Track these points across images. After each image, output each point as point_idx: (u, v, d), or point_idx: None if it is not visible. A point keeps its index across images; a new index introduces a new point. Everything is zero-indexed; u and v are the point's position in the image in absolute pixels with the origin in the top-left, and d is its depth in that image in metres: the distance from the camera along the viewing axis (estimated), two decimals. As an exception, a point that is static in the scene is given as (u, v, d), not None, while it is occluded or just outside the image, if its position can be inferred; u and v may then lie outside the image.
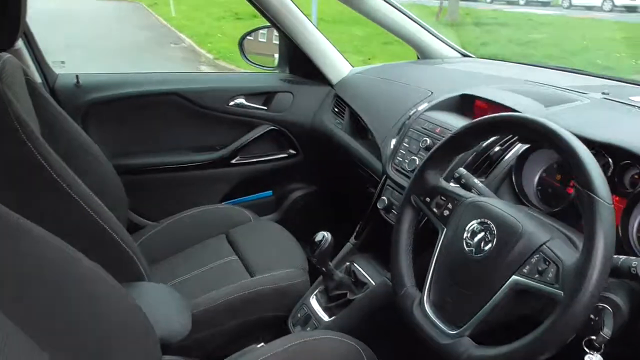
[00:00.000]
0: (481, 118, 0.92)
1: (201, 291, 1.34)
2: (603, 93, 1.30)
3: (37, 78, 1.66)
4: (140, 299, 1.02)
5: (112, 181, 1.48)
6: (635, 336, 0.82)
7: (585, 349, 0.77)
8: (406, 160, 1.30)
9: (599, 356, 0.77)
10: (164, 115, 1.86)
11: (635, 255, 0.87)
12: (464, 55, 2.00)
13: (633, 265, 0.73)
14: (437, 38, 1.95)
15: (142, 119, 1.84)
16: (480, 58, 2.01)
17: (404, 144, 1.34)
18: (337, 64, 1.96)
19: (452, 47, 1.98)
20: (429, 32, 1.93)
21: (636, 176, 0.91)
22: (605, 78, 1.61)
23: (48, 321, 0.62)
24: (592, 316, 0.77)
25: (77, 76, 1.73)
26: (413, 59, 2.04)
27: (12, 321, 0.54)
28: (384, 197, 1.35)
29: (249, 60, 2.04)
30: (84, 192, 1.04)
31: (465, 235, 0.88)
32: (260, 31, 2.07)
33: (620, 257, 0.75)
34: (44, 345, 0.57)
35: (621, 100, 1.24)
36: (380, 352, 1.11)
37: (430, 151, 0.99)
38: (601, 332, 0.75)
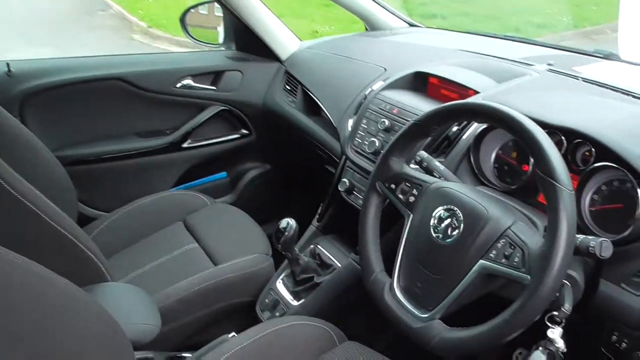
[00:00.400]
0: (444, 105, 0.93)
1: (164, 283, 1.31)
2: (548, 64, 1.35)
3: None
4: (105, 302, 0.99)
5: (57, 174, 1.41)
6: (588, 307, 0.88)
7: (548, 323, 0.82)
8: (365, 142, 1.31)
9: (559, 329, 0.82)
10: (108, 102, 1.77)
11: (587, 229, 0.93)
12: (411, 25, 2.00)
13: (591, 245, 0.77)
14: (384, 8, 1.94)
15: (85, 107, 1.74)
16: (427, 28, 2.03)
17: (362, 125, 1.34)
18: (284, 39, 1.91)
19: (399, 17, 1.98)
20: (375, 1, 1.92)
21: (587, 153, 0.95)
22: (548, 47, 1.66)
23: (6, 341, 0.58)
24: None
25: (7, 64, 1.61)
26: (355, 22, 2.02)
27: None
28: (344, 179, 1.36)
29: (192, 37, 1.96)
30: (29, 191, 0.95)
31: (432, 221, 0.90)
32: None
33: (579, 236, 0.79)
34: None
35: (565, 72, 1.29)
36: (350, 331, 1.14)
37: (394, 138, 1.00)
38: (562, 308, 0.80)
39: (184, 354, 1.24)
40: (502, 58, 1.45)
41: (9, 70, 1.61)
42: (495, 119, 0.85)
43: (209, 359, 1.01)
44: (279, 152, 2.06)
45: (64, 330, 0.68)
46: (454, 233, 0.87)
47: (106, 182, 1.81)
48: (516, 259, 0.78)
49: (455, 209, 0.88)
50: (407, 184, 0.98)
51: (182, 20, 1.93)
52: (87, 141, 1.76)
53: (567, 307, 0.80)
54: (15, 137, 1.30)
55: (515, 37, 1.79)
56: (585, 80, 1.23)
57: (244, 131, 1.99)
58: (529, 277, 0.75)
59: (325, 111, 1.56)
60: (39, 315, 0.64)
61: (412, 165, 1.08)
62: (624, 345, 0.87)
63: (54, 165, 1.40)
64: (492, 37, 1.82)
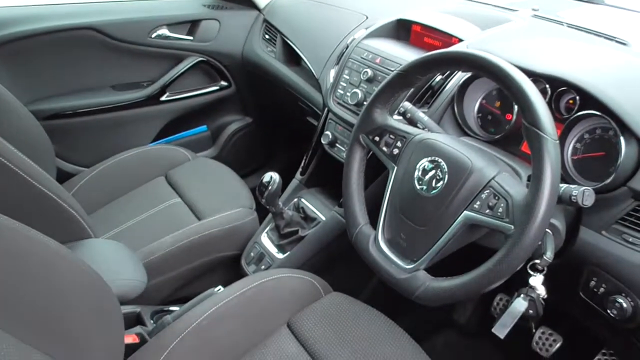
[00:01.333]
0: (428, 54, 0.91)
1: (148, 238, 1.31)
2: (533, 9, 1.32)
3: None
4: (89, 259, 0.98)
5: (32, 128, 1.36)
6: (569, 253, 0.90)
7: (530, 271, 0.84)
8: (348, 94, 1.28)
9: (541, 276, 0.84)
10: (81, 53, 1.70)
11: (569, 177, 0.93)
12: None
13: (574, 193, 0.78)
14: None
15: (57, 59, 1.66)
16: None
17: (344, 75, 1.31)
18: (262, -15, 1.85)
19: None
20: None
21: (571, 101, 0.94)
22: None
23: None
24: None
25: None
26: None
27: None
28: (327, 132, 1.34)
29: None
30: (4, 147, 0.92)
31: (416, 173, 0.89)
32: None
33: (562, 185, 0.79)
34: None
35: (550, 17, 1.27)
36: (335, 283, 1.15)
37: (377, 89, 0.98)
38: (544, 257, 0.81)
39: (171, 308, 1.25)
40: (486, 4, 1.42)
41: None
42: (481, 68, 0.83)
43: (196, 313, 1.02)
44: (260, 104, 2.02)
45: (49, 288, 0.67)
46: (439, 185, 0.86)
47: (84, 136, 1.77)
48: (500, 209, 0.78)
49: (440, 160, 0.87)
50: (391, 135, 0.96)
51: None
52: (62, 95, 1.71)
53: (549, 255, 0.81)
54: None
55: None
56: (569, 25, 1.22)
57: (223, 83, 1.94)
58: (512, 227, 0.76)
59: (306, 61, 1.52)
60: (24, 274, 0.63)
61: (395, 117, 1.06)
62: (601, 290, 0.89)
63: (29, 120, 1.35)
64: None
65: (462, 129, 1.09)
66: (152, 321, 1.17)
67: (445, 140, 0.91)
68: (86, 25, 1.66)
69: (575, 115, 0.92)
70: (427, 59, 0.91)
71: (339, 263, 1.35)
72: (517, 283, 0.87)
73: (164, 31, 1.78)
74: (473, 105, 1.10)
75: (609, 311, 0.88)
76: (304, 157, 1.50)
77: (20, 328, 0.58)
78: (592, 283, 0.90)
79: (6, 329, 0.56)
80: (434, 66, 0.92)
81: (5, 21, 1.57)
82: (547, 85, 0.96)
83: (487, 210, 0.80)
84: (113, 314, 0.82)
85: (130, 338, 1.04)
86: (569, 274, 0.93)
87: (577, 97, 0.92)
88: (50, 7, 1.69)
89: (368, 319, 1.04)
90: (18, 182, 0.92)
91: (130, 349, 0.97)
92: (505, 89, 0.80)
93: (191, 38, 1.83)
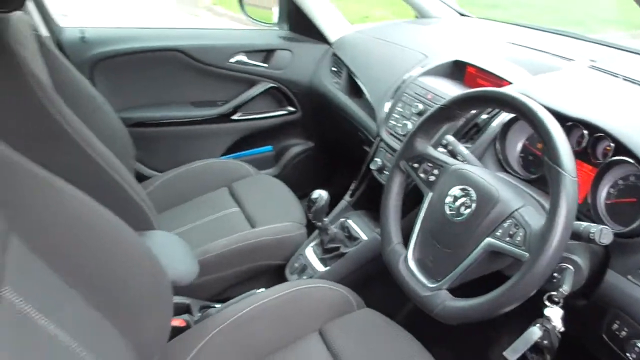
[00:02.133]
0: (468, 92, 0.98)
1: (206, 239, 1.44)
2: (590, 60, 1.35)
3: (44, 32, 1.69)
4: (151, 246, 1.11)
5: (120, 132, 1.55)
6: (594, 294, 0.93)
7: (546, 302, 0.88)
8: (399, 125, 1.37)
9: (558, 309, 0.87)
10: (167, 71, 1.90)
11: (599, 219, 0.96)
12: (462, 15, 2.02)
13: (592, 231, 0.81)
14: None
15: (147, 74, 1.88)
16: (478, 18, 2.04)
17: (398, 108, 1.40)
18: (335, 22, 2.00)
19: (449, 6, 2.01)
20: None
21: (607, 147, 0.98)
22: (599, 44, 1.64)
23: (73, 263, 0.69)
24: (555, 274, 0.87)
25: (82, 31, 1.77)
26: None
27: (42, 261, 0.63)
28: (377, 159, 1.43)
29: (248, 16, 2.08)
30: (95, 144, 1.08)
31: (447, 199, 0.96)
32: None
33: (582, 223, 0.83)
34: (71, 283, 0.67)
35: (606, 69, 1.30)
36: (368, 298, 1.22)
37: (420, 120, 1.06)
38: (560, 289, 0.85)
39: (216, 305, 1.35)
40: (544, 51, 1.46)
41: (84, 37, 1.76)
42: (512, 106, 0.90)
43: (237, 308, 1.12)
44: (322, 131, 2.14)
45: (118, 263, 0.79)
46: (467, 211, 0.92)
47: (162, 145, 1.97)
48: (519, 238, 0.83)
49: (470, 189, 0.93)
50: (429, 164, 1.04)
51: (240, -1, 2.04)
52: (147, 105, 1.92)
53: (566, 288, 0.85)
54: (84, 95, 1.44)
55: (565, 31, 1.77)
56: (625, 79, 1.24)
57: (291, 108, 2.09)
58: (527, 254, 0.81)
59: (366, 94, 1.62)
60: (97, 247, 0.76)
61: (440, 149, 1.13)
62: (623, 333, 0.90)
63: (117, 124, 1.54)
64: (540, 30, 1.81)
65: (502, 166, 1.14)
66: (199, 313, 1.28)
67: (478, 172, 0.97)
68: (174, 48, 1.87)
69: (609, 160, 0.95)
70: (465, 96, 0.98)
71: (376, 282, 1.41)
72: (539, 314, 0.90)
73: (242, 57, 1.96)
74: (516, 144, 1.15)
75: (627, 354, 0.89)
76: (354, 181, 1.59)
77: (91, 293, 0.70)
78: (615, 326, 0.91)
79: (81, 292, 0.67)
80: (472, 103, 0.99)
81: (109, 40, 1.81)
82: (585, 132, 1.00)
83: (507, 238, 0.85)
84: (166, 296, 0.93)
85: (177, 322, 1.15)
86: (594, 314, 0.95)
87: (612, 144, 0.96)
88: (145, 30, 1.94)
89: (398, 340, 1.09)
90: (103, 175, 1.08)
91: (177, 331, 1.09)
92: (532, 126, 0.86)
93: (266, 65, 2.00)
